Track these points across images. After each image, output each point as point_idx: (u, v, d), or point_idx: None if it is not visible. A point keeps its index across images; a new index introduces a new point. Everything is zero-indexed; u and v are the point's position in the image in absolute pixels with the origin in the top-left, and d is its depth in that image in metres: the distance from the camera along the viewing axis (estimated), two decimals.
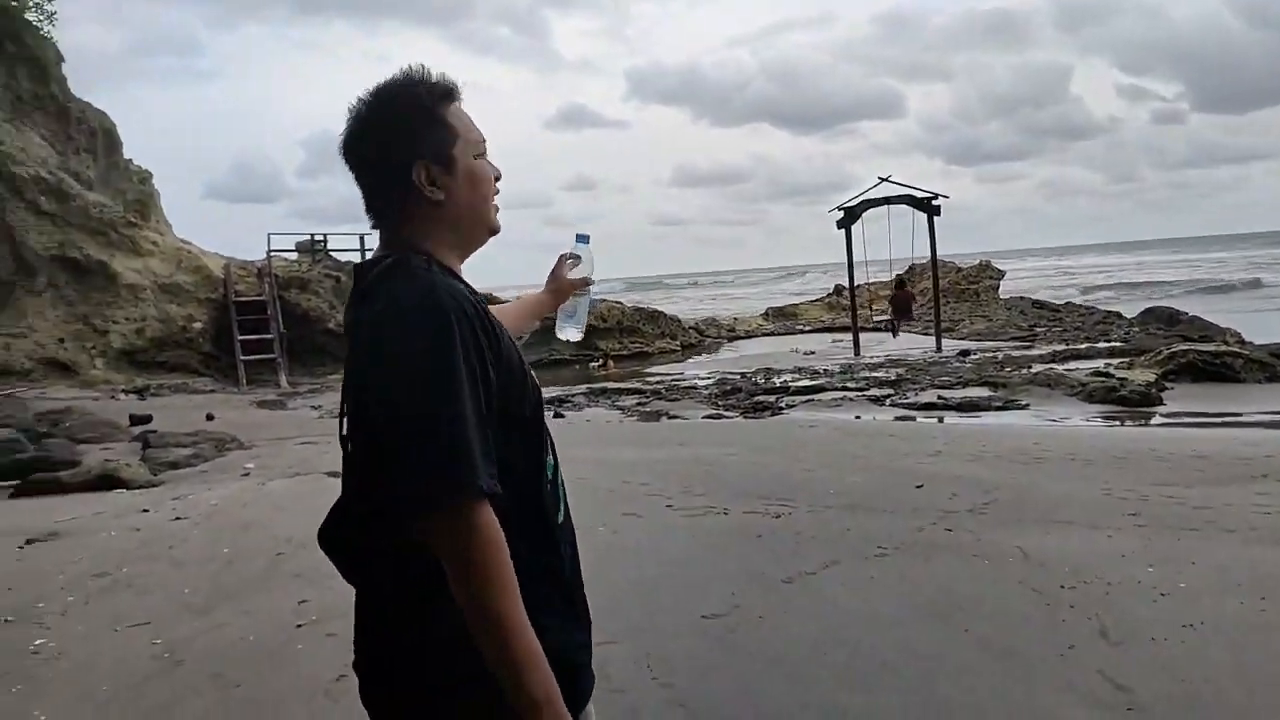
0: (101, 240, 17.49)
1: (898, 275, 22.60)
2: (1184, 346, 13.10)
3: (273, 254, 20.41)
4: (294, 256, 21.43)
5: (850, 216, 18.89)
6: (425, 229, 1.36)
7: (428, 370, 1.19)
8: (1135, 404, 10.80)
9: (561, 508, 1.42)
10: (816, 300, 29.91)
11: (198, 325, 18.28)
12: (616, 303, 22.75)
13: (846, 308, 20.92)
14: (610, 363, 19.79)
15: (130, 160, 20.21)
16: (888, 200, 18.98)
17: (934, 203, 18.82)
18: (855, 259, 19.35)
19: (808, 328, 25.71)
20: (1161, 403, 10.91)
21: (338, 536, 1.39)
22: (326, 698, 3.29)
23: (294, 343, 19.15)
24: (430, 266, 1.30)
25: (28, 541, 5.73)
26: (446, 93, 1.39)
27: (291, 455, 9.30)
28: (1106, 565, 4.56)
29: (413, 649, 1.29)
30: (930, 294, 20.85)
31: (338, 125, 1.40)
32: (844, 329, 21.25)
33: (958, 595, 4.25)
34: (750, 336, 25.03)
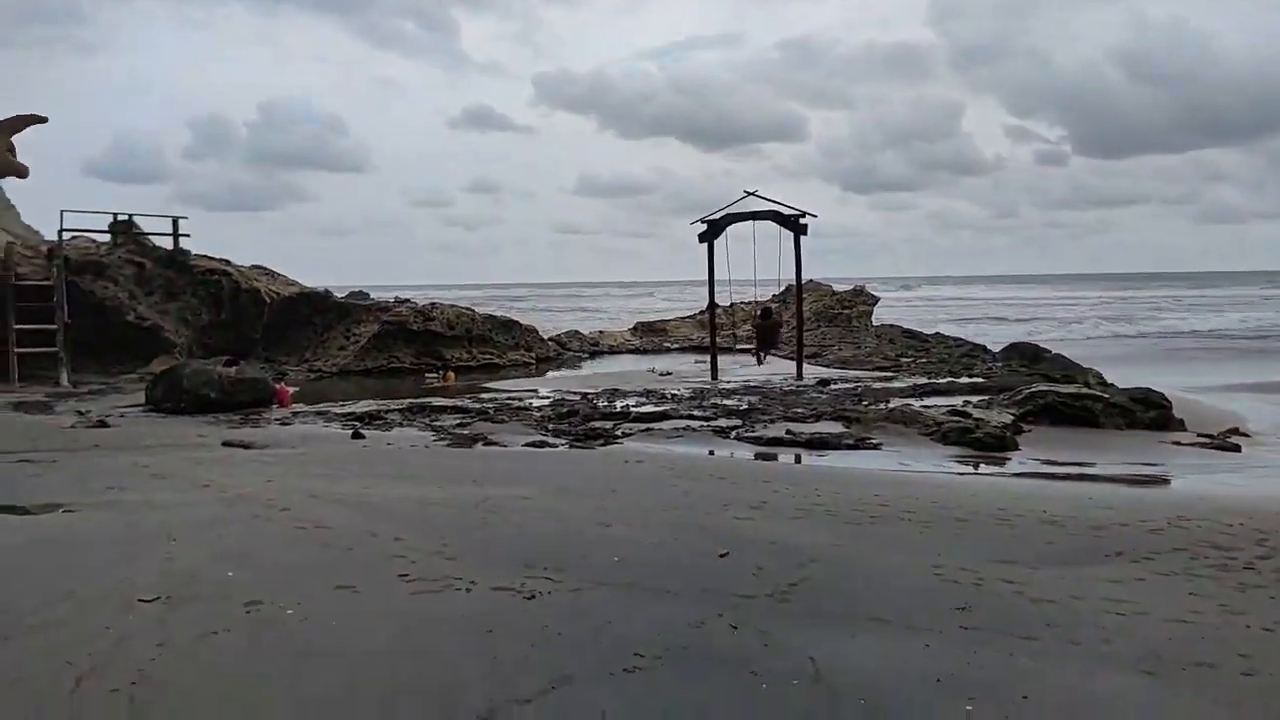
0: None
1: (764, 305, 21.60)
2: (1044, 387, 12.55)
3: (71, 233, 17.94)
4: (104, 238, 19.02)
5: (713, 230, 17.79)
6: None
7: None
8: (990, 448, 10.36)
9: None
10: (688, 317, 28.78)
11: None
12: (467, 309, 21.10)
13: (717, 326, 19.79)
14: (451, 374, 18.16)
15: None
16: (754, 215, 17.97)
17: (801, 221, 17.92)
18: (721, 276, 18.27)
19: (675, 345, 24.61)
20: (1016, 447, 10.48)
21: None
22: None
23: (88, 335, 16.85)
24: None
25: None
26: None
27: None
28: (914, 695, 3.51)
29: None
30: (800, 318, 20.05)
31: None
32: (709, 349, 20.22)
33: None
34: (614, 352, 23.75)
